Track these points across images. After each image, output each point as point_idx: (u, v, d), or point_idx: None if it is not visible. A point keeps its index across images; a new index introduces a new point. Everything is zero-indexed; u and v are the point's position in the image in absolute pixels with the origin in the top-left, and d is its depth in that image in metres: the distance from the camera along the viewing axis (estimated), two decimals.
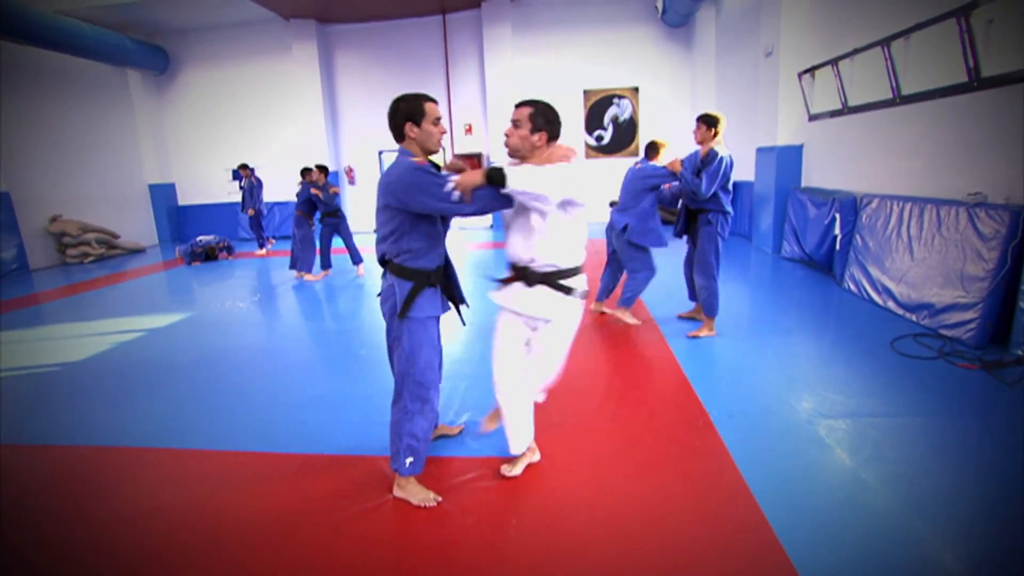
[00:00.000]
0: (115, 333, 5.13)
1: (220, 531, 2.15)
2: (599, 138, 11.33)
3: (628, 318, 4.48)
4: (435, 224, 2.16)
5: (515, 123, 2.10)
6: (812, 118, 6.54)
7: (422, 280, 2.14)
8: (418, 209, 2.02)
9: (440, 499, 2.25)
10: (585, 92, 11.17)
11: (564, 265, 2.12)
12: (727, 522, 2.03)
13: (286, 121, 11.85)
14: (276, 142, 12.03)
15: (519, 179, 1.90)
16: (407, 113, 2.10)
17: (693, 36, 10.41)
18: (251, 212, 9.49)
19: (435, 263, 2.19)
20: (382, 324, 2.29)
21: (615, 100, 11.17)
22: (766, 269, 6.43)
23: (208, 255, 9.42)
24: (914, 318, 4.14)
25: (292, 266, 7.19)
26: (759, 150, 7.49)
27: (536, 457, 2.51)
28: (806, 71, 6.44)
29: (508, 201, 2.00)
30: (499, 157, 11.23)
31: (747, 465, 2.37)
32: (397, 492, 2.28)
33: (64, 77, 10.37)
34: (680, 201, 4.31)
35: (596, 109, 11.23)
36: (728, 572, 1.80)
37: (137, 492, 2.48)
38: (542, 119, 2.08)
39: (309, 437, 2.86)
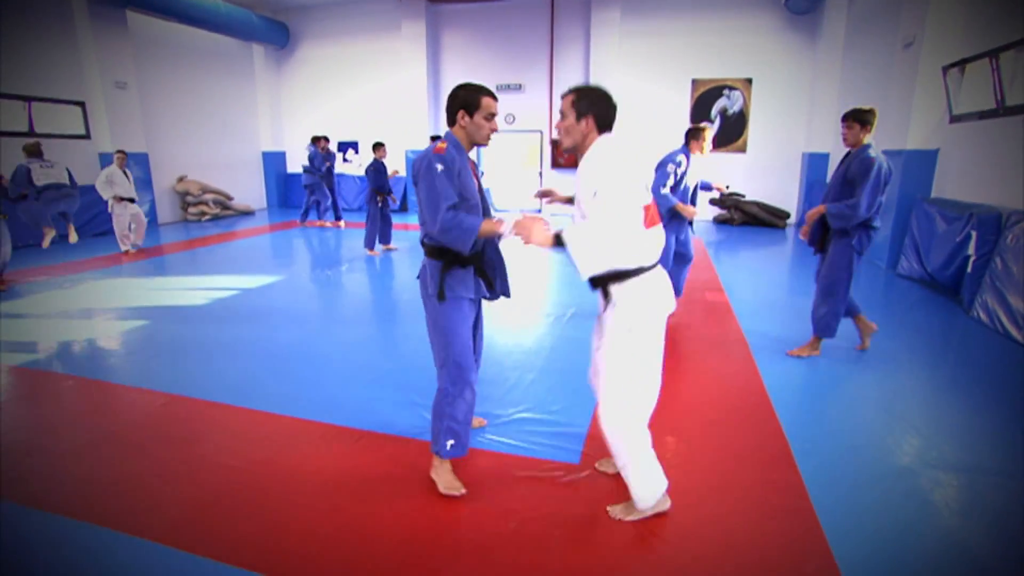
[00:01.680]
0: (216, 289, 5.52)
1: (271, 492, 2.21)
2: None
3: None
4: (469, 208, 2.08)
5: (562, 114, 1.94)
6: (954, 119, 5.73)
7: (451, 259, 2.09)
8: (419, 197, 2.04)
9: (465, 491, 2.18)
10: (694, 81, 10.55)
11: (619, 267, 1.86)
12: (787, 547, 1.79)
13: (391, 97, 12.21)
14: (381, 117, 12.44)
15: (581, 248, 1.80)
16: (464, 101, 2.09)
17: (820, 24, 9.48)
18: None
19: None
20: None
21: (725, 91, 10.47)
22: (877, 286, 5.76)
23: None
24: None
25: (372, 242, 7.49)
26: (884, 153, 6.69)
27: (666, 506, 2.09)
28: (953, 65, 5.63)
29: (469, 236, 1.96)
30: None
31: (826, 512, 2.07)
32: (433, 474, 2.25)
33: (197, 50, 11.31)
34: None
35: (704, 100, 10.59)
36: None
37: (205, 445, 2.62)
38: (586, 102, 1.88)
39: (373, 413, 2.89)
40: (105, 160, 9.50)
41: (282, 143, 13.36)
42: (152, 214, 10.15)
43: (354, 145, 12.78)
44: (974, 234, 4.70)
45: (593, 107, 1.87)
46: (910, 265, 5.85)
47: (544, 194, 2.36)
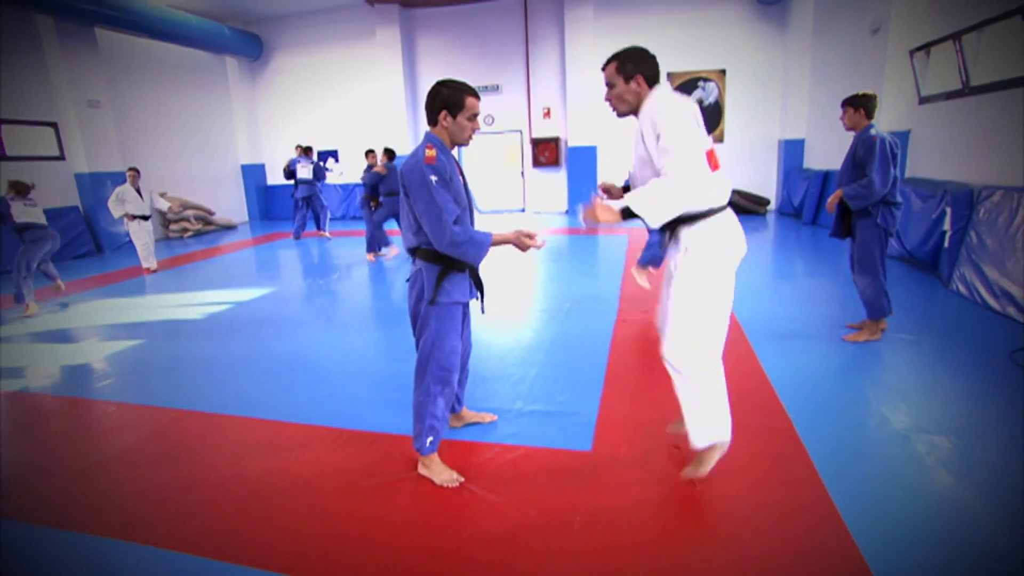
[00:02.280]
0: (206, 304, 5.49)
1: (290, 497, 2.24)
2: None
3: None
4: (463, 211, 2.10)
5: (609, 86, 1.99)
6: (923, 100, 5.92)
7: (449, 263, 2.11)
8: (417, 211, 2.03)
9: (463, 479, 2.24)
10: (669, 75, 10.70)
11: (696, 209, 1.91)
12: (809, 539, 1.87)
13: (368, 105, 12.19)
14: (359, 126, 12.40)
15: (655, 211, 1.83)
16: (446, 101, 2.06)
17: (788, 14, 9.71)
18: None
19: None
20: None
21: (700, 83, 10.65)
22: None
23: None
24: None
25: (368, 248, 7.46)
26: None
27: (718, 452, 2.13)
28: (919, 48, 5.82)
29: (482, 251, 2.05)
30: (579, 140, 11.03)
31: (832, 479, 2.17)
32: (422, 471, 2.30)
33: (170, 65, 11.18)
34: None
35: (680, 92, 10.72)
36: None
37: (219, 456, 2.63)
38: (630, 64, 1.94)
39: (381, 416, 2.93)
40: (81, 181, 9.37)
41: (260, 155, 13.25)
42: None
43: (334, 154, 12.74)
44: (949, 210, 4.87)
45: (639, 66, 1.93)
46: (890, 243, 6.02)
47: (606, 190, 2.30)
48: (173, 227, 10.77)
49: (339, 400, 3.15)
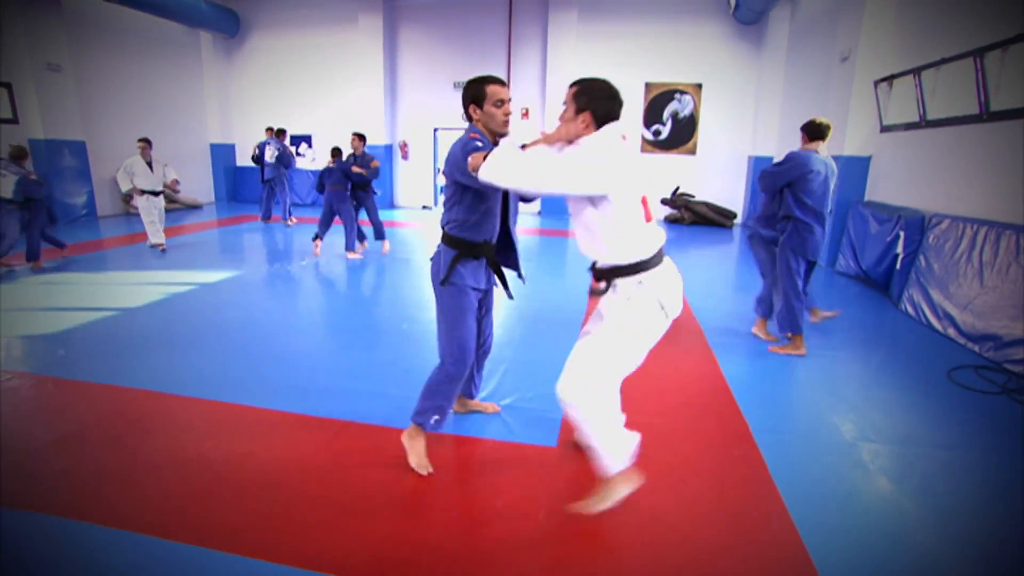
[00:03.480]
0: (169, 284, 5.35)
1: (255, 482, 2.23)
2: (656, 132, 11.08)
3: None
4: (485, 199, 2.17)
5: (564, 104, 1.90)
6: (884, 129, 6.22)
7: (465, 250, 2.19)
8: (455, 179, 2.10)
9: (432, 470, 2.29)
10: (647, 85, 10.92)
11: (624, 261, 1.86)
12: (760, 535, 1.98)
13: (346, 92, 12.02)
14: (335, 112, 12.22)
15: (493, 168, 1.80)
16: (471, 95, 2.16)
17: (764, 35, 10.03)
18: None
19: (482, 236, 2.22)
20: (424, 299, 2.31)
21: (677, 95, 10.89)
22: (817, 282, 6.19)
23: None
24: (977, 349, 3.93)
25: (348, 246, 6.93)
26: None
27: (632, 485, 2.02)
28: (883, 79, 6.12)
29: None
30: None
31: (784, 482, 2.30)
32: (405, 440, 2.36)
33: (140, 34, 10.77)
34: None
35: (656, 103, 10.98)
36: None
37: (174, 438, 2.60)
38: (585, 98, 1.81)
39: (345, 404, 2.93)
40: (35, 146, 8.95)
41: (231, 135, 12.92)
42: (91, 206, 9.64)
43: (307, 139, 12.52)
44: (902, 234, 5.14)
45: (592, 104, 1.82)
46: (847, 263, 6.32)
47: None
48: (134, 202, 10.37)
49: (304, 386, 3.13)
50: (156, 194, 6.93)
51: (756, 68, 10.35)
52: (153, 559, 1.83)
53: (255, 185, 12.27)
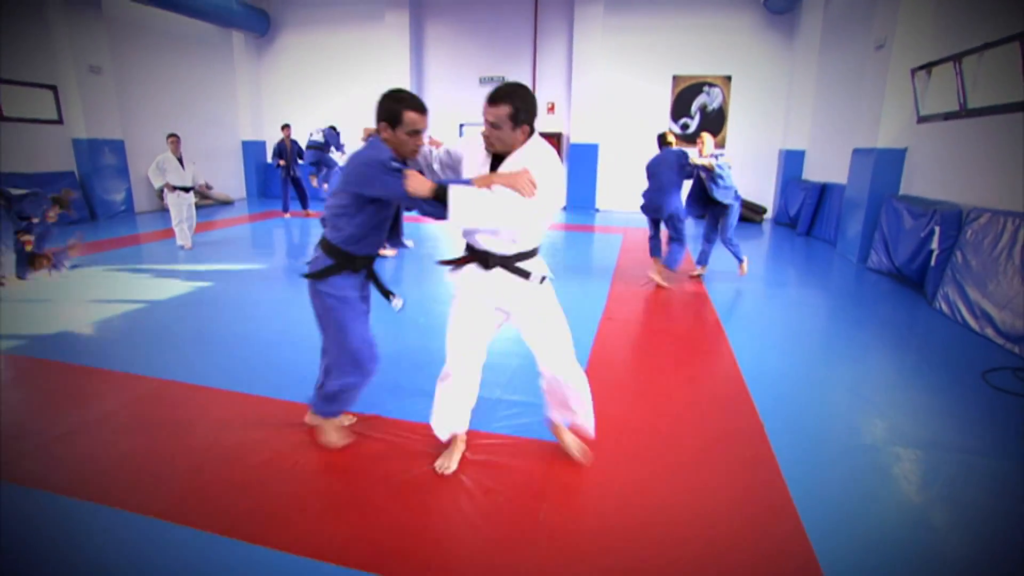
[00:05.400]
0: (199, 278, 5.50)
1: (267, 470, 2.27)
2: (684, 126, 10.88)
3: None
4: (380, 212, 2.13)
5: (493, 125, 1.90)
6: (921, 119, 5.97)
7: (342, 262, 2.17)
8: (371, 194, 2.00)
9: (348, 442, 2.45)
10: (674, 78, 10.73)
11: (522, 248, 2.04)
12: (766, 540, 1.92)
13: (373, 88, 12.06)
14: (362, 108, 12.35)
15: (463, 212, 1.85)
16: (387, 113, 2.00)
17: (797, 24, 9.73)
18: (281, 163, 9.86)
19: (365, 251, 2.21)
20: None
21: (705, 88, 10.66)
22: (848, 279, 5.99)
23: None
24: (1016, 350, 3.74)
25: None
26: (856, 151, 6.94)
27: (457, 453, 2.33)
28: (921, 67, 5.86)
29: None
30: (581, 137, 11.05)
31: (797, 484, 2.22)
32: (316, 423, 2.50)
33: (175, 36, 11.09)
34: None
35: (684, 96, 10.78)
36: None
37: (197, 427, 2.66)
38: (524, 114, 1.89)
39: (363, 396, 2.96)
40: (79, 146, 9.32)
41: (262, 132, 13.19)
42: (129, 203, 9.98)
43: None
44: (937, 229, 4.93)
45: (530, 116, 1.91)
46: (879, 259, 6.09)
47: None
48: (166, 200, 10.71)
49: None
50: (187, 190, 7.02)
51: (788, 59, 10.06)
52: (170, 543, 1.88)
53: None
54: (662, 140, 5.33)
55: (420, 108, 2.02)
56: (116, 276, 5.61)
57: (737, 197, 5.29)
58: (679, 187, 5.23)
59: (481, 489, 2.17)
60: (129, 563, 1.80)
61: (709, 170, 5.07)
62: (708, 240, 5.69)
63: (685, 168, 5.14)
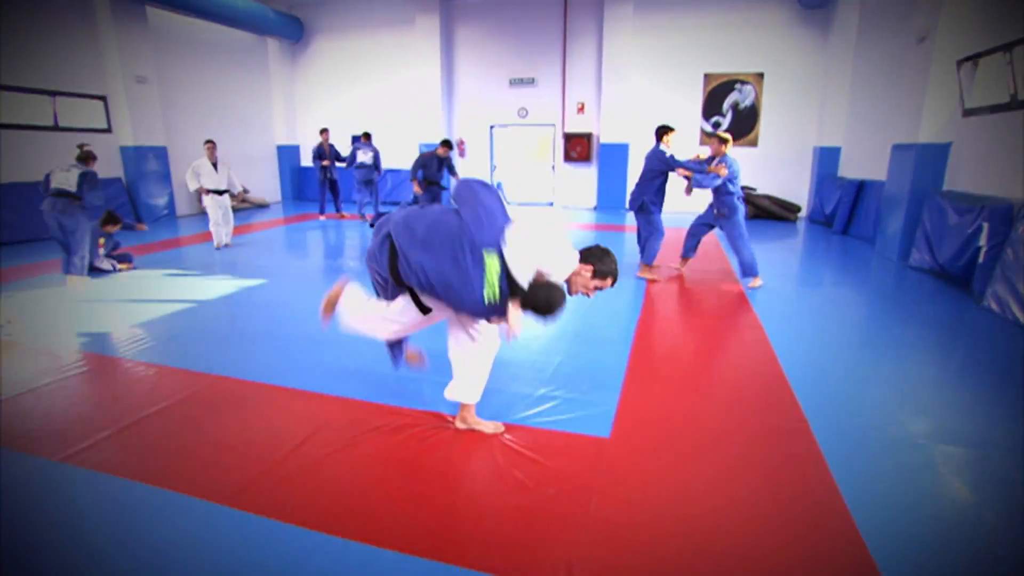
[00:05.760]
0: (240, 278, 5.69)
1: (324, 462, 2.36)
2: (716, 124, 10.76)
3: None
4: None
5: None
6: (967, 113, 5.81)
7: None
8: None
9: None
10: (706, 76, 10.63)
11: None
12: (818, 535, 1.93)
13: (404, 91, 12.33)
14: (393, 111, 12.56)
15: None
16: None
17: (832, 19, 9.54)
18: (325, 163, 10.13)
19: None
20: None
21: (737, 85, 10.54)
22: (889, 277, 5.87)
23: None
24: None
25: None
26: (895, 147, 6.78)
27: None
28: (967, 59, 5.71)
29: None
30: (611, 137, 11.02)
31: (846, 482, 2.21)
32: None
33: (213, 45, 11.46)
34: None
35: (716, 94, 10.66)
36: None
37: (254, 419, 2.78)
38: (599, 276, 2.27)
39: (402, 391, 3.04)
40: (126, 154, 9.70)
41: (296, 137, 13.52)
42: (171, 207, 10.34)
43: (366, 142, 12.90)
44: (986, 225, 4.79)
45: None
46: (921, 257, 5.95)
47: None
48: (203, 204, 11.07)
49: (368, 375, 3.27)
50: (221, 193, 7.30)
51: (822, 54, 9.87)
52: (225, 526, 1.98)
53: (318, 185, 12.81)
54: (659, 133, 5.63)
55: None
56: (164, 278, 5.84)
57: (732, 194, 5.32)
58: (654, 180, 5.58)
59: (532, 481, 2.22)
60: (190, 544, 1.90)
61: (688, 178, 5.39)
62: (692, 235, 5.79)
63: (664, 164, 5.48)
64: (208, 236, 7.95)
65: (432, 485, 2.21)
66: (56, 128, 8.64)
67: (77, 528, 2.00)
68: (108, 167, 9.52)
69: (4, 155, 7.96)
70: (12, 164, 8.03)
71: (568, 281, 2.25)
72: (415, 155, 12.19)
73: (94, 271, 5.74)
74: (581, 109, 11.37)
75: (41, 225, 7.31)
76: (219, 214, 7.28)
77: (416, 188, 7.87)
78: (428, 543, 1.89)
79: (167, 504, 2.11)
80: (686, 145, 8.54)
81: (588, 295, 2.30)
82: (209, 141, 7.33)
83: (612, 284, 2.30)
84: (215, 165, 7.26)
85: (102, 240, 5.91)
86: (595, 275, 2.25)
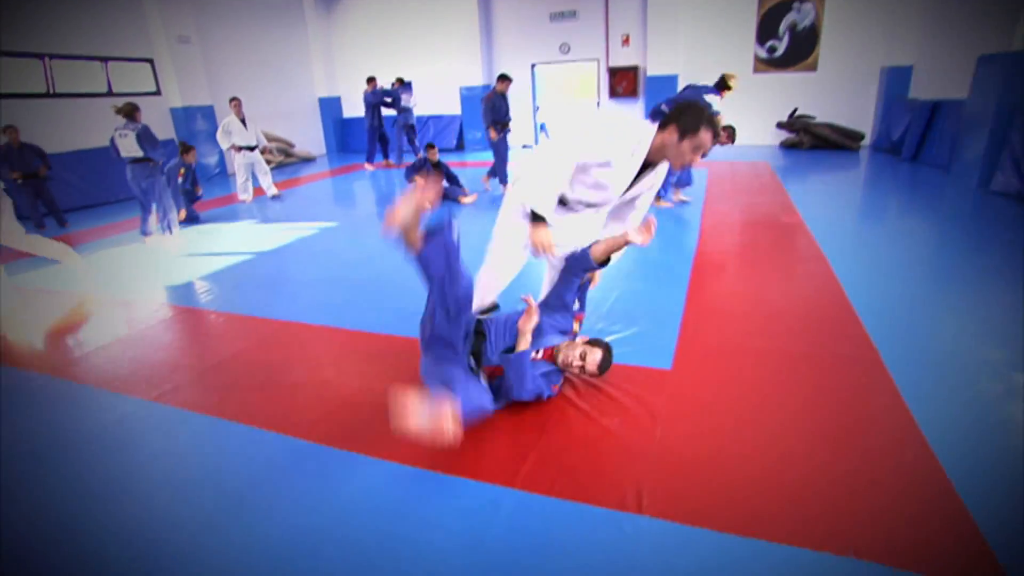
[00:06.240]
0: (294, 230, 5.83)
1: (378, 401, 2.46)
2: (771, 49, 10.04)
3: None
4: None
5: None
6: None
7: None
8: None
9: None
10: None
11: None
12: (892, 461, 1.88)
13: (442, 35, 11.99)
14: (432, 57, 12.28)
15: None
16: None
17: None
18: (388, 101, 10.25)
19: None
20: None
21: (795, 5, 9.72)
22: (966, 204, 5.46)
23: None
24: None
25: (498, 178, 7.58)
26: (982, 59, 6.16)
27: None
28: None
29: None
30: (658, 68, 10.47)
31: (921, 410, 2.14)
32: None
33: (250, 2, 11.37)
34: None
35: (771, 15, 9.89)
36: (898, 513, 1.69)
37: (322, 361, 2.90)
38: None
39: None
40: (176, 115, 9.94)
41: (337, 88, 13.47)
42: (222, 165, 10.62)
43: (408, 85, 12.72)
44: None
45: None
46: (1007, 180, 5.49)
47: None
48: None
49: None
50: (251, 149, 7.51)
51: None
52: (288, 452, 2.11)
53: (362, 135, 12.75)
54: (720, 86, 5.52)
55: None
56: (222, 231, 6.06)
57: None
58: None
59: (597, 411, 2.25)
60: (267, 470, 2.04)
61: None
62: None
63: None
64: (259, 192, 8.12)
65: (498, 415, 2.27)
66: (111, 94, 8.89)
67: (172, 460, 2.17)
68: (161, 129, 9.73)
69: (66, 124, 8.29)
70: (76, 132, 8.37)
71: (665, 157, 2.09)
72: (456, 100, 12.05)
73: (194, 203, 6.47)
74: (626, 41, 10.79)
75: (109, 189, 7.76)
76: (248, 172, 7.57)
77: (492, 134, 7.64)
78: (500, 472, 1.95)
79: (250, 437, 2.26)
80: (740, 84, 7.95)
81: (692, 163, 2.10)
82: (234, 98, 7.49)
83: (715, 137, 2.04)
84: (243, 122, 7.43)
85: (182, 171, 6.37)
86: (683, 136, 2.01)
